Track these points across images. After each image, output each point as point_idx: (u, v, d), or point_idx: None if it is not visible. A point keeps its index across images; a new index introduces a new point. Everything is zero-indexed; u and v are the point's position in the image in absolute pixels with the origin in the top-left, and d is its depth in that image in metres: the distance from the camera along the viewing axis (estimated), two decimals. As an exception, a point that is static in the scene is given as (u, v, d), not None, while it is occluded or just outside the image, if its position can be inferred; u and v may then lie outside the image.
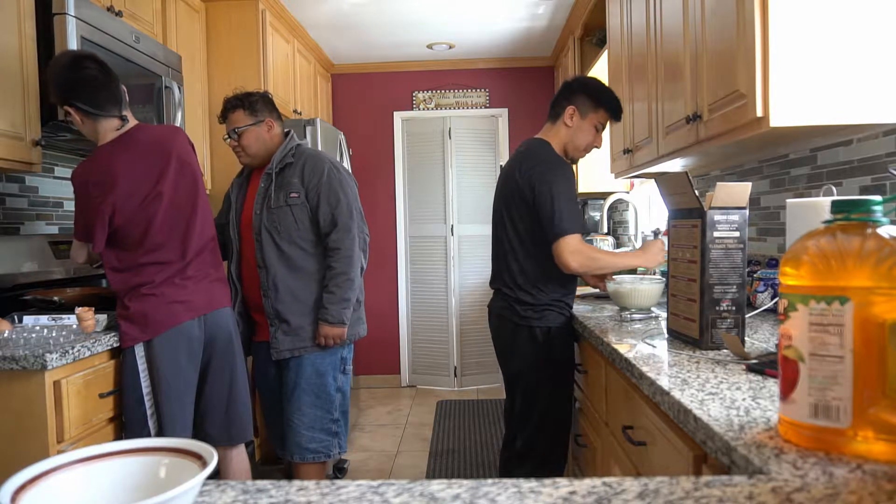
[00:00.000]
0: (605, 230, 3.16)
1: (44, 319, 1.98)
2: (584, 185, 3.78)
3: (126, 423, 1.85)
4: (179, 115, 2.65)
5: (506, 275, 2.06)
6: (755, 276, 1.96)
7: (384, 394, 4.88)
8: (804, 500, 0.64)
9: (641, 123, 2.46)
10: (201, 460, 0.69)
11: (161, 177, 1.90)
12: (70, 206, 2.60)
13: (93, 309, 1.86)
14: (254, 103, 2.35)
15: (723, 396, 1.03)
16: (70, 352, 1.63)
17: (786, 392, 0.81)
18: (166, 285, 1.89)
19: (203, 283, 1.98)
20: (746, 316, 1.49)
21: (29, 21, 1.98)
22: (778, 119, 1.43)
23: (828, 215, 0.81)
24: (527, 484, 0.69)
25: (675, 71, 2.04)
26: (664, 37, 2.16)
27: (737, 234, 1.40)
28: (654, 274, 2.29)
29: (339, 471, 3.11)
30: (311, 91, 4.41)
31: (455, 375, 4.93)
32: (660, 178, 1.65)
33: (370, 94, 5.02)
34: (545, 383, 2.00)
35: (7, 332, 1.83)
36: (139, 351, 1.85)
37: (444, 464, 3.40)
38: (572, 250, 1.87)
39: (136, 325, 1.85)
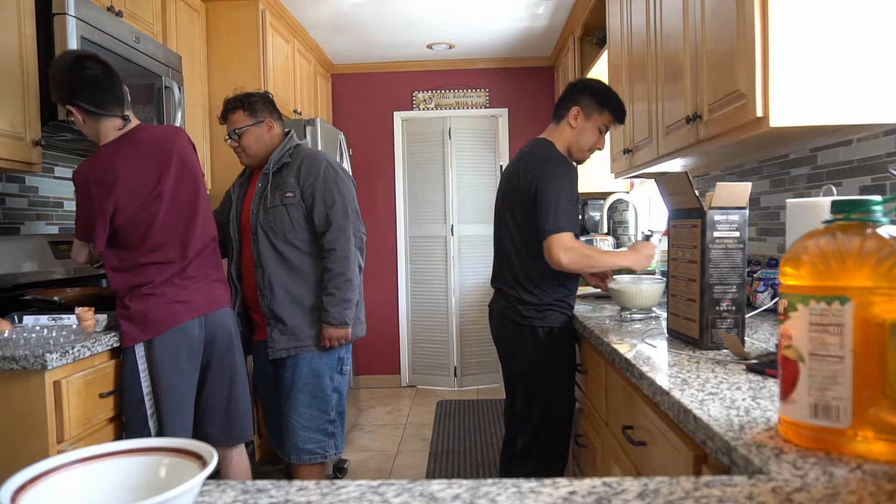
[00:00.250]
0: (605, 230, 3.16)
1: (44, 319, 1.98)
2: (584, 185, 3.76)
3: (126, 423, 1.85)
4: (179, 115, 2.65)
5: (507, 274, 2.06)
6: (755, 276, 1.96)
7: (384, 394, 4.87)
8: (804, 500, 0.64)
9: (641, 123, 2.46)
10: (201, 460, 0.69)
11: (162, 177, 1.90)
12: (70, 206, 2.60)
13: (93, 309, 1.86)
14: (253, 104, 2.35)
15: (723, 396, 1.03)
16: (70, 352, 1.63)
17: (786, 392, 0.81)
18: (167, 285, 1.89)
19: (203, 284, 1.98)
20: (746, 316, 1.49)
21: (29, 21, 1.98)
22: (778, 119, 1.43)
23: (828, 215, 0.81)
24: (527, 484, 0.69)
25: (675, 71, 2.04)
26: (664, 37, 2.16)
27: (737, 234, 1.40)
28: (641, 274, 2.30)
29: (339, 471, 3.11)
30: (311, 91, 4.41)
31: (455, 375, 4.93)
32: (660, 178, 1.65)
33: (370, 94, 5.02)
34: (546, 383, 2.00)
35: (7, 332, 1.83)
36: (139, 351, 1.85)
37: (444, 464, 3.40)
38: (566, 247, 1.87)
39: (136, 325, 1.84)
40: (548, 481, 0.69)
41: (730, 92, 1.59)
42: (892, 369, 0.73)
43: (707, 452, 0.92)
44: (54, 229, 2.55)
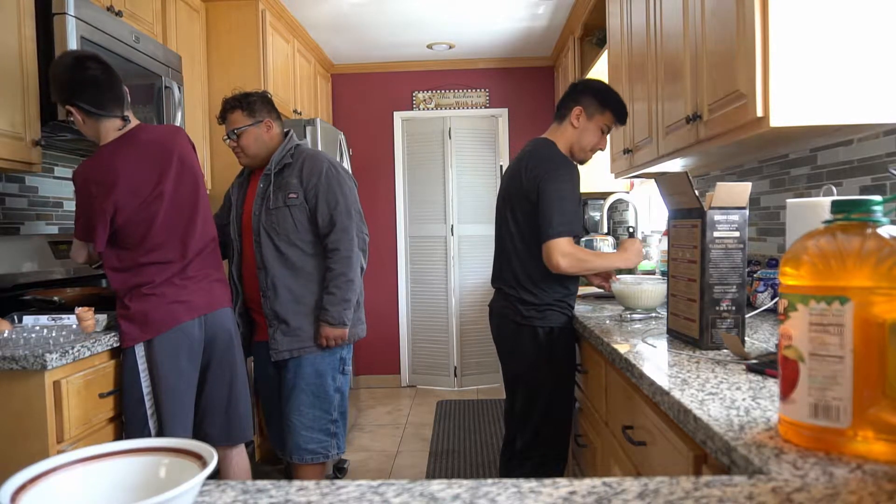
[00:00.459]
0: (605, 230, 3.15)
1: (44, 319, 1.98)
2: (585, 185, 3.73)
3: (126, 423, 1.85)
4: (179, 115, 2.65)
5: (508, 274, 2.06)
6: (755, 276, 1.96)
7: (384, 394, 4.87)
8: (804, 500, 0.64)
9: (641, 123, 2.46)
10: (201, 460, 0.69)
11: (162, 177, 1.90)
12: (70, 206, 2.60)
13: (93, 309, 1.86)
14: (252, 104, 2.34)
15: (723, 396, 1.03)
16: (70, 352, 1.63)
17: (786, 392, 0.81)
18: (167, 285, 1.89)
19: (203, 284, 1.98)
20: (746, 316, 1.49)
21: (29, 21, 1.98)
22: (778, 119, 1.43)
23: (828, 215, 0.81)
24: (527, 484, 0.69)
25: (675, 71, 2.04)
26: (664, 37, 2.16)
27: (737, 234, 1.40)
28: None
29: (340, 471, 3.11)
30: (311, 91, 4.41)
31: (455, 375, 4.93)
32: (660, 178, 1.65)
33: (370, 94, 5.02)
34: (546, 383, 2.00)
35: (7, 332, 1.83)
36: (139, 351, 1.85)
37: (444, 464, 3.40)
38: (563, 252, 1.90)
39: (136, 325, 1.84)
40: (548, 481, 0.69)
41: (730, 92, 1.59)
42: (892, 369, 0.73)
43: (707, 452, 0.92)
44: (54, 229, 2.55)
